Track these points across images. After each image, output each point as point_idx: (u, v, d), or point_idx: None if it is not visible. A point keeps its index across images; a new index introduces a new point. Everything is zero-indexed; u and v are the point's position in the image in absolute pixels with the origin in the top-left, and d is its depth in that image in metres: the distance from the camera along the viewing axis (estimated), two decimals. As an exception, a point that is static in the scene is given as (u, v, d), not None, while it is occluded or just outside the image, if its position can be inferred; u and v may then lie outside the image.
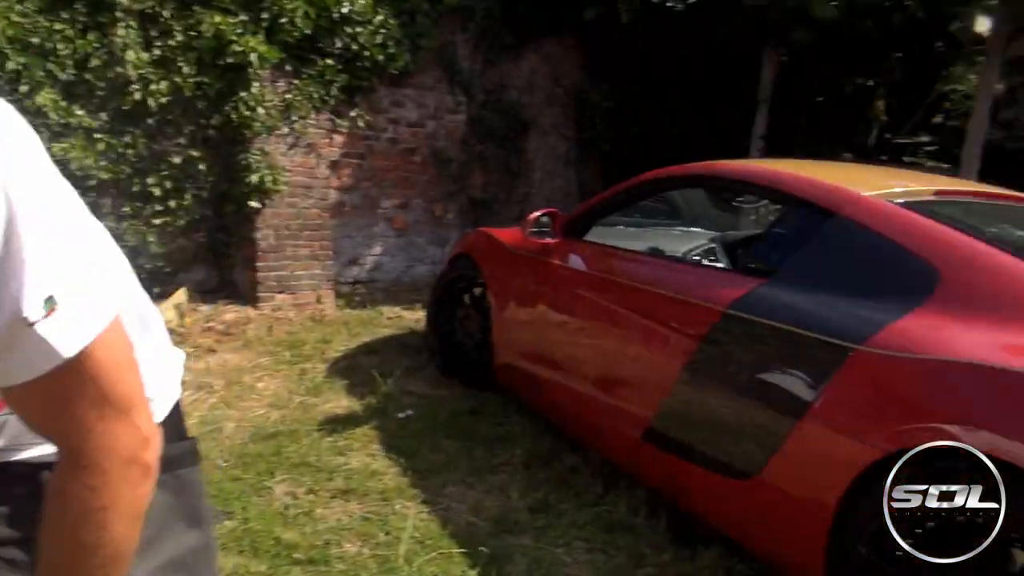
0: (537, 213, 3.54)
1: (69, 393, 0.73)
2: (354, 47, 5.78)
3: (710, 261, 3.30)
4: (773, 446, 2.24)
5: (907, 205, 2.43)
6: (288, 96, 5.49)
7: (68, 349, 0.71)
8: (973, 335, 1.93)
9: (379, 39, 5.90)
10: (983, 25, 6.68)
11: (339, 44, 5.69)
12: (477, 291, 4.16)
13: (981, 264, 2.11)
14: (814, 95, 7.77)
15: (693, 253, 3.42)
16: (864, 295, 2.22)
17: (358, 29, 5.74)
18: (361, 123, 6.14)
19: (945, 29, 6.31)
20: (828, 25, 6.16)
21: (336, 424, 3.55)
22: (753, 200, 4.84)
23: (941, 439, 1.82)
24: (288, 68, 5.51)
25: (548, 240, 3.49)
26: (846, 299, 2.23)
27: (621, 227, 3.99)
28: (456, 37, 6.75)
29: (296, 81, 5.56)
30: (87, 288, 0.72)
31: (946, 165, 7.64)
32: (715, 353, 2.50)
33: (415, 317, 5.51)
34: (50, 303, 0.68)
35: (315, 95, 5.64)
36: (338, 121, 6.01)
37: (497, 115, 7.12)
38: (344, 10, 5.61)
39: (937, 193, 2.67)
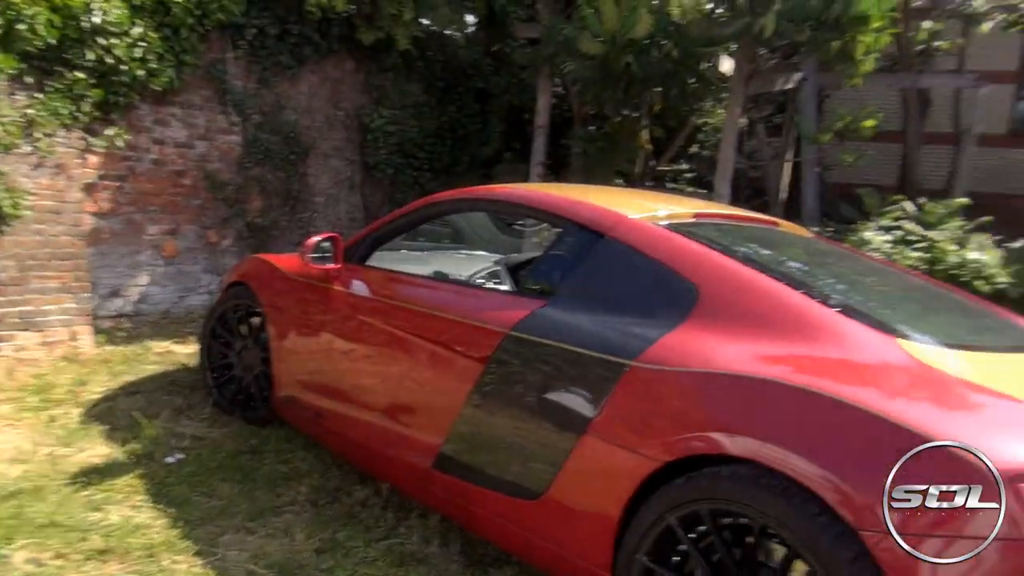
0: (317, 238, 3.41)
1: None
2: (109, 60, 5.28)
3: (495, 284, 3.34)
4: (557, 464, 2.28)
5: (669, 227, 2.60)
6: (30, 111, 4.90)
7: None
8: (730, 347, 2.08)
9: (138, 53, 5.45)
10: (726, 65, 7.44)
11: (91, 56, 5.18)
12: (255, 321, 3.92)
13: (734, 281, 2.29)
14: (586, 124, 8.23)
15: (477, 276, 3.45)
16: (635, 313, 2.33)
17: (113, 41, 5.26)
18: (120, 142, 5.63)
19: (696, 68, 6.93)
20: (595, 59, 6.55)
21: (92, 476, 3.16)
22: (534, 223, 5.01)
23: (709, 448, 1.94)
24: (29, 80, 4.93)
25: (329, 266, 3.36)
26: (620, 317, 2.33)
27: (405, 251, 3.95)
28: (226, 55, 6.41)
29: (40, 95, 4.98)
30: None
31: (703, 191, 8.40)
32: (500, 376, 2.52)
33: (187, 351, 5.10)
34: None
35: (63, 111, 5.08)
36: (92, 140, 5.46)
37: (275, 137, 6.84)
38: (96, 20, 5.11)
39: (696, 216, 2.88)
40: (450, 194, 3.34)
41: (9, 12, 4.63)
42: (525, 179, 7.74)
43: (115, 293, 5.82)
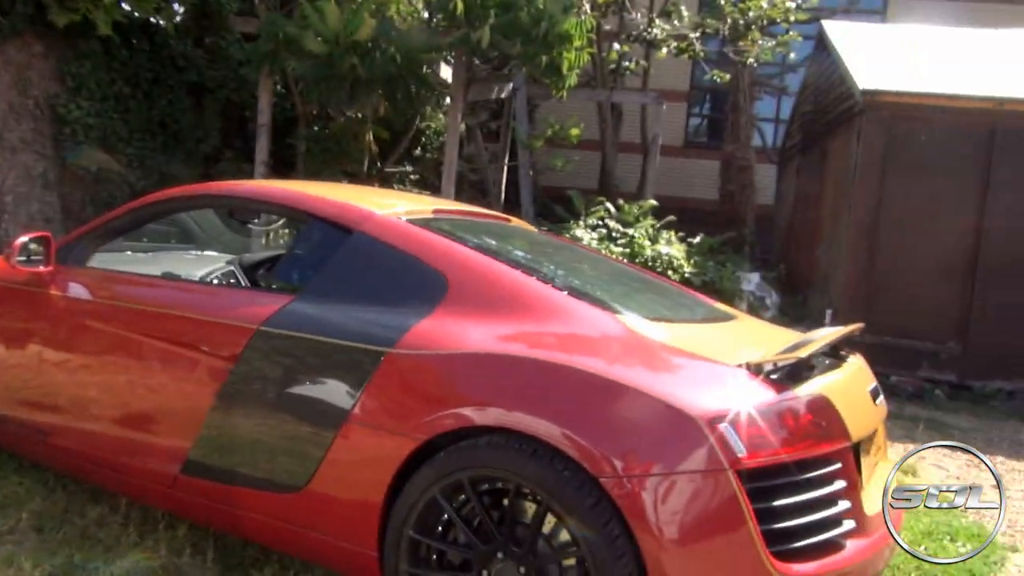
0: (25, 238, 3.09)
1: None
2: None
3: (229, 284, 3.27)
4: (320, 454, 2.34)
5: (414, 222, 2.76)
6: None
7: None
8: (477, 330, 2.29)
9: None
10: (447, 72, 7.81)
11: None
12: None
13: (478, 269, 2.51)
14: (311, 124, 8.16)
15: (211, 276, 3.35)
16: (389, 304, 2.46)
17: None
18: None
19: (419, 73, 7.20)
20: (319, 59, 6.54)
21: None
22: (265, 222, 4.91)
23: (461, 424, 2.13)
24: None
25: (41, 268, 3.06)
26: (374, 308, 2.44)
27: (129, 252, 3.70)
28: None
29: None
30: None
31: (427, 192, 8.70)
32: (251, 373, 2.50)
33: None
34: None
35: None
36: None
37: (-54, 127, 5.96)
38: None
39: (435, 212, 3.07)
40: (182, 190, 3.21)
41: None
42: (250, 178, 7.49)
43: None
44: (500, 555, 2.10)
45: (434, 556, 2.22)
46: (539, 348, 2.21)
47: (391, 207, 2.87)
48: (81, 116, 6.97)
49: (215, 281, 3.28)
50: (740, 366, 2.16)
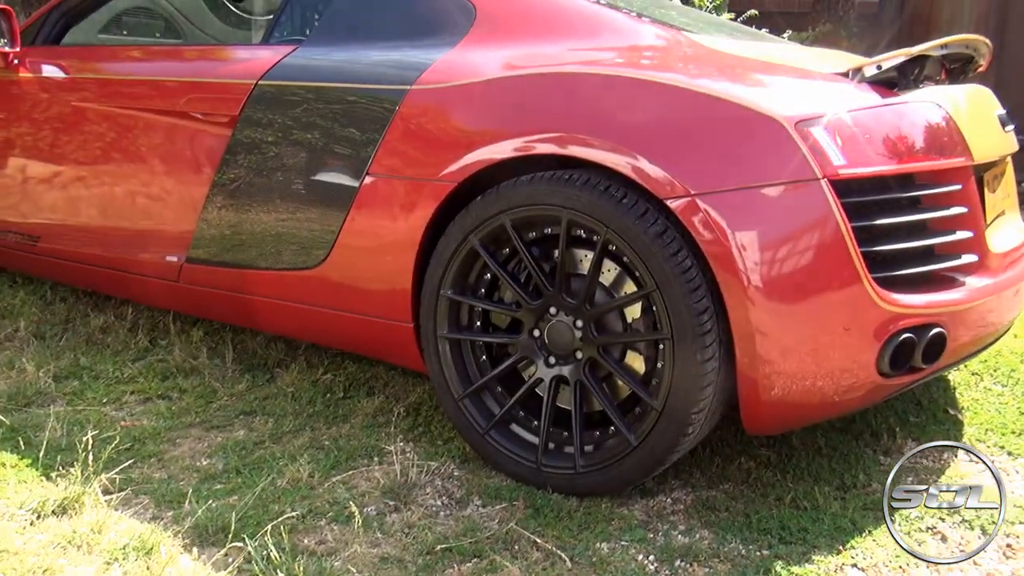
0: None
1: None
2: None
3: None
4: (340, 219, 2.17)
5: None
6: None
7: None
8: (512, 55, 2.08)
9: None
10: None
11: None
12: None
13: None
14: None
15: None
16: (406, 39, 2.23)
17: None
18: None
19: None
20: None
21: None
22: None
23: (500, 157, 1.92)
24: None
25: (7, 50, 2.87)
26: (389, 46, 2.23)
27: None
28: None
29: None
30: None
31: None
32: (252, 138, 2.32)
33: None
34: None
35: None
36: None
37: None
38: None
39: None
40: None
41: None
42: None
43: None
44: (552, 310, 1.94)
45: (476, 320, 2.08)
46: (590, 64, 1.99)
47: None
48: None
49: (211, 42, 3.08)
50: (835, 75, 1.92)
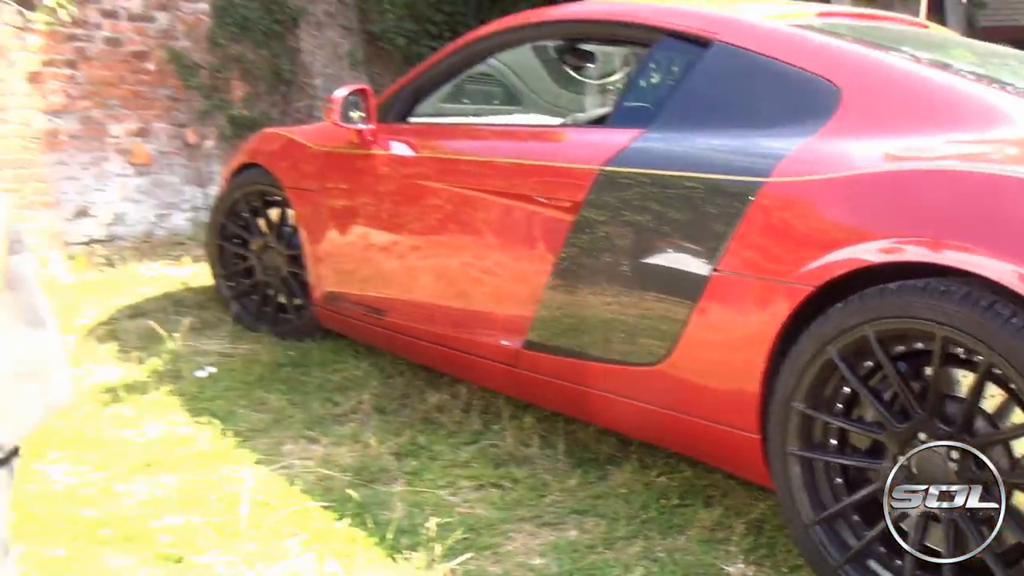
0: (344, 91, 3.61)
1: None
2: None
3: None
4: (684, 316, 2.49)
5: (795, 26, 2.76)
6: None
7: None
8: (886, 146, 2.26)
9: None
10: None
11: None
12: (274, 213, 4.18)
13: (885, 74, 2.46)
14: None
15: None
16: (762, 126, 2.52)
17: None
18: (66, 15, 5.76)
19: None
20: None
21: (114, 394, 3.51)
22: (603, 71, 5.15)
23: (867, 262, 2.12)
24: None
25: (363, 127, 3.58)
26: (744, 133, 2.52)
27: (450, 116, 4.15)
28: None
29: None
30: None
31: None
32: (595, 223, 2.73)
33: (184, 272, 5.40)
34: None
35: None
36: (28, 14, 5.62)
37: (252, 1, 6.98)
38: None
39: (820, 15, 3.03)
40: (502, 23, 3.51)
41: None
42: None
43: (83, 213, 6.11)
44: (922, 436, 2.09)
45: (831, 438, 2.28)
46: (975, 158, 2.14)
47: (758, 12, 2.91)
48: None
49: (554, 125, 3.59)
50: None
